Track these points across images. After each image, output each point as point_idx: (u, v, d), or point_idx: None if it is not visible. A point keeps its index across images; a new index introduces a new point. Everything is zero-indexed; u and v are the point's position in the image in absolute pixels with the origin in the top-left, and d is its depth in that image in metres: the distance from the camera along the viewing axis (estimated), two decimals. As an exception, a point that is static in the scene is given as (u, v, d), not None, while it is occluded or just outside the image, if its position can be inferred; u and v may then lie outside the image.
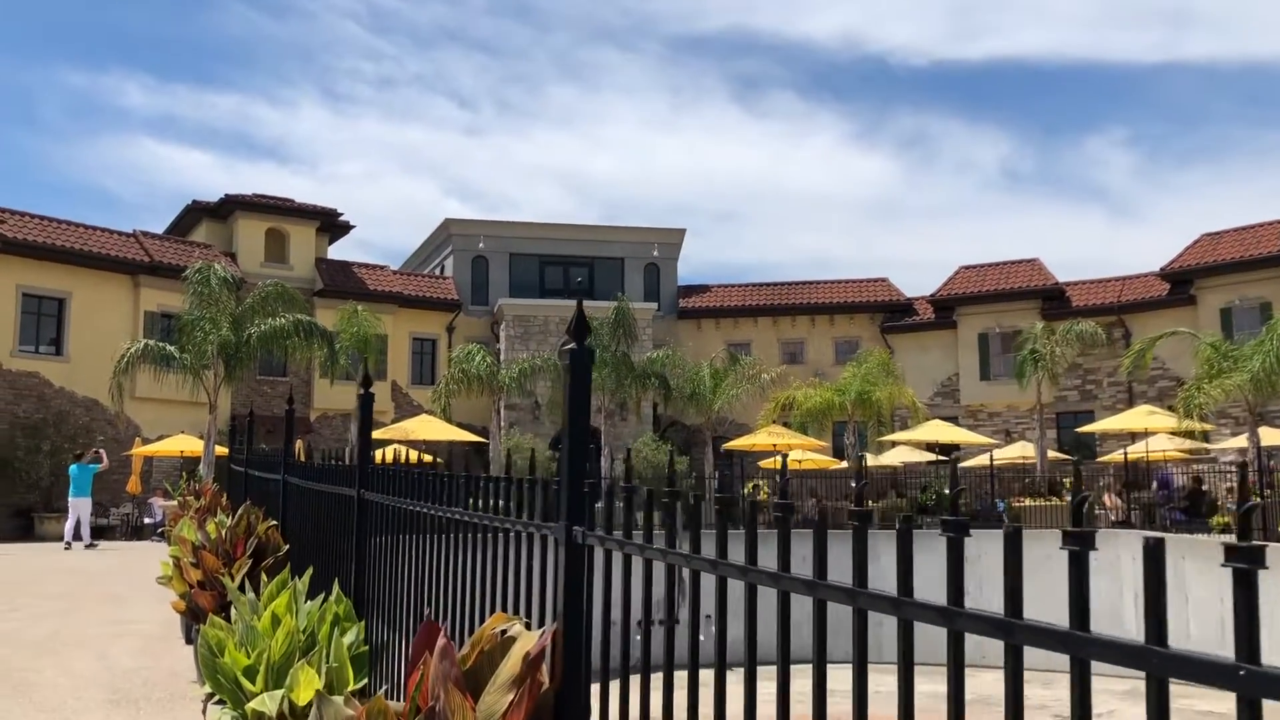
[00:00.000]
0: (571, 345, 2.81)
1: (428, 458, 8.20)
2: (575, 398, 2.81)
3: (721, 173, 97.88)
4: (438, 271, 43.80)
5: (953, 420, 36.34)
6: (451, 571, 3.62)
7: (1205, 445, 31.31)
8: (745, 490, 27.09)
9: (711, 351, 35.79)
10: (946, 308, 41.62)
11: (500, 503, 3.30)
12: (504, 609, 3.09)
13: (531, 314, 40.36)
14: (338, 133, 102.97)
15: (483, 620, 3.10)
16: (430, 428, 28.58)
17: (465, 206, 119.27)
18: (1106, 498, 25.20)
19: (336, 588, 5.23)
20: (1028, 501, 27.13)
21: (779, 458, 30.29)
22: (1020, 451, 32.53)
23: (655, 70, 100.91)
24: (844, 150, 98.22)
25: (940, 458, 35.54)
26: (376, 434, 21.67)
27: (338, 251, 41.84)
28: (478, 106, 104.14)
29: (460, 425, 31.63)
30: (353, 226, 41.56)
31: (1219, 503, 24.58)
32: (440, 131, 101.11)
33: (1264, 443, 24.14)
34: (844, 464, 30.58)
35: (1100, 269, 67.54)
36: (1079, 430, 34.20)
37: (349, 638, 4.85)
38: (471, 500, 3.51)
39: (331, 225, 40.31)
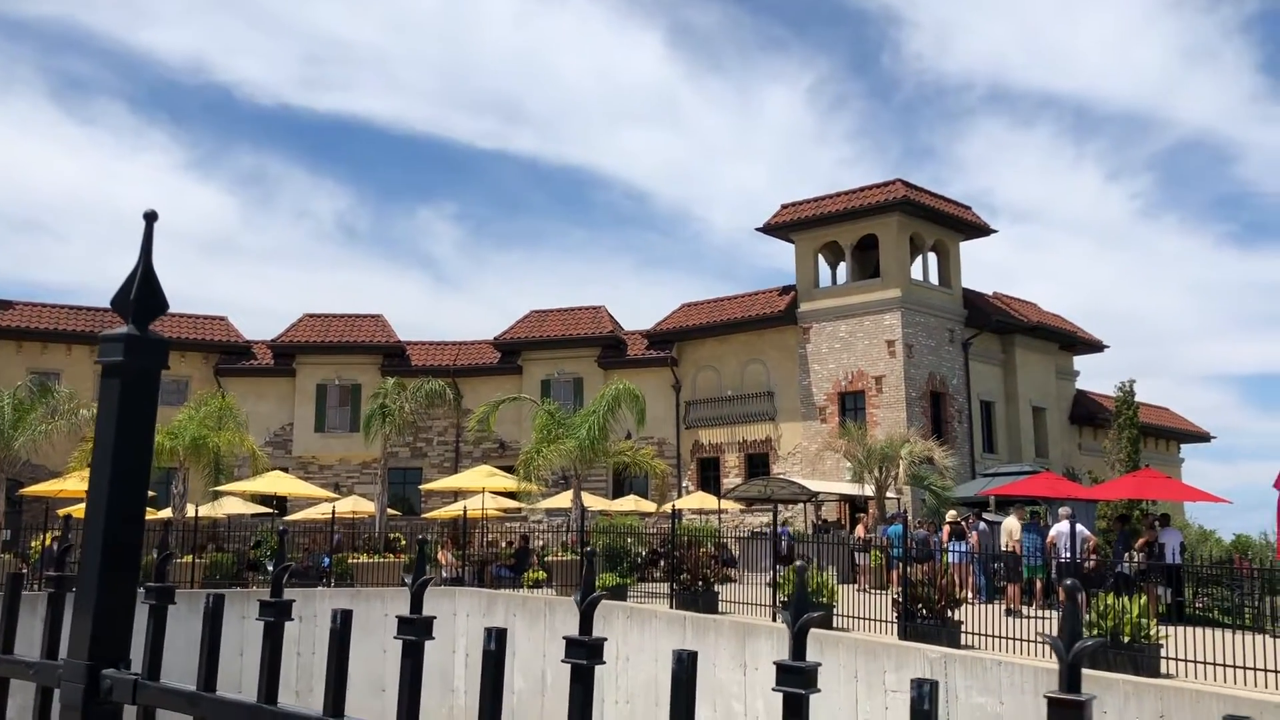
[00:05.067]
0: (128, 329, 1.50)
1: None
2: (130, 427, 1.49)
3: (30, 177, 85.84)
4: None
5: (284, 471, 35.09)
6: None
7: (520, 505, 33.77)
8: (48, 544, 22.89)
9: (11, 378, 30.38)
10: (287, 355, 40.40)
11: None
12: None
13: None
14: None
15: None
16: None
17: None
18: (441, 554, 25.75)
19: None
20: (363, 558, 26.76)
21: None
22: (353, 506, 32.24)
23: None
24: (177, 176, 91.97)
25: (270, 510, 33.85)
26: None
27: None
28: None
29: None
30: None
31: (538, 558, 26.39)
32: None
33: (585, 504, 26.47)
34: (167, 514, 27.55)
35: (425, 332, 70.90)
36: (422, 487, 35.08)
37: None
38: None
39: None
